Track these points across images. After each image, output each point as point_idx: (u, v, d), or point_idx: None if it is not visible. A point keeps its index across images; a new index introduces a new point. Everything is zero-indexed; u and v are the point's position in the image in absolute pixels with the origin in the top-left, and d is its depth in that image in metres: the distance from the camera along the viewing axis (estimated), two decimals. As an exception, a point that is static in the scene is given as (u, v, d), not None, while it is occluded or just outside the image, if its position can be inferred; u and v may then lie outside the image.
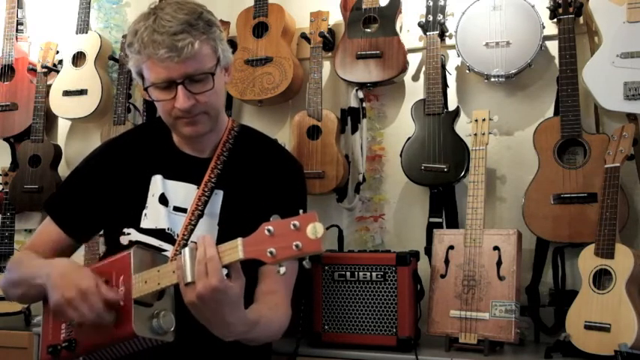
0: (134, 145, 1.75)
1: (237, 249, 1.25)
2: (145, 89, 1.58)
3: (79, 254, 2.68)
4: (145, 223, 1.65)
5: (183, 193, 1.66)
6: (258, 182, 1.69)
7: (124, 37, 2.95)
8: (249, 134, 1.79)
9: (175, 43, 1.48)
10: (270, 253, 1.20)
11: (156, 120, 1.72)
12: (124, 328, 1.37)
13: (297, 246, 1.18)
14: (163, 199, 1.66)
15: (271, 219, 1.23)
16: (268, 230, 1.21)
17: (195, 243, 1.31)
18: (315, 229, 1.17)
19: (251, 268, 1.64)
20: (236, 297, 1.31)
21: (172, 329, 1.38)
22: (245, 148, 1.73)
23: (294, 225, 1.19)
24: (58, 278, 1.42)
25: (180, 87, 1.52)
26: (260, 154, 1.75)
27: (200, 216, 1.62)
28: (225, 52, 1.62)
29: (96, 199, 1.69)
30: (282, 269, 1.22)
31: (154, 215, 1.65)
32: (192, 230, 1.60)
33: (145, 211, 1.65)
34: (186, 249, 1.30)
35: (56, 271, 1.46)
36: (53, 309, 1.43)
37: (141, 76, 1.59)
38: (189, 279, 1.28)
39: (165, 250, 1.60)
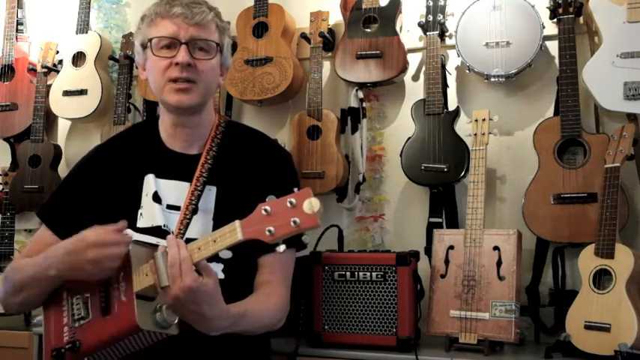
0: (124, 147, 1.76)
1: (235, 231, 1.24)
2: (149, 40, 1.62)
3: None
4: (141, 223, 1.65)
5: (176, 190, 1.66)
6: (249, 175, 1.69)
7: (124, 37, 2.97)
8: (236, 129, 1.81)
9: (191, 8, 1.60)
10: (269, 231, 1.20)
11: (144, 121, 1.73)
12: (127, 323, 1.37)
13: (294, 222, 1.18)
14: (157, 198, 1.66)
15: (267, 199, 1.23)
16: (265, 210, 1.21)
17: (165, 246, 1.33)
18: (311, 204, 1.17)
19: (250, 263, 1.64)
20: (211, 292, 1.33)
21: (176, 322, 1.38)
22: (233, 143, 1.74)
23: (291, 202, 1.18)
24: (67, 256, 1.45)
25: (183, 46, 1.59)
26: (249, 146, 1.76)
27: (194, 211, 1.62)
28: (227, 51, 1.70)
29: (89, 203, 1.69)
30: (282, 247, 1.22)
31: (149, 214, 1.65)
32: (187, 224, 1.61)
33: (140, 211, 1.66)
34: (158, 253, 1.33)
35: (59, 254, 1.48)
36: (85, 280, 1.44)
37: (144, 48, 1.65)
38: (165, 283, 1.30)
39: None
